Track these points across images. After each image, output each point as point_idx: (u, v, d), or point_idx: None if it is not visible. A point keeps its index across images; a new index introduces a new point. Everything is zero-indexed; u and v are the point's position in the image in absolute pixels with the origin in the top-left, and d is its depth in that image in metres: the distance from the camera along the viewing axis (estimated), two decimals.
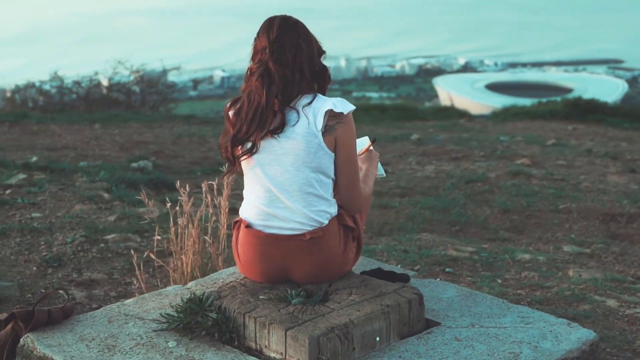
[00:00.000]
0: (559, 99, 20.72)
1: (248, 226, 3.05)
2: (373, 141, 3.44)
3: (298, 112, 2.95)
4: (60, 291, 4.04)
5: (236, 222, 3.14)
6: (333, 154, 3.00)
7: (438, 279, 3.51)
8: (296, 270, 3.05)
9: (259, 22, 3.09)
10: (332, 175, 3.04)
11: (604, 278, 4.81)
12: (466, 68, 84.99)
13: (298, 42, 2.98)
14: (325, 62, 3.11)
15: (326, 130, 2.95)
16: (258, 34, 3.03)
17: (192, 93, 68.44)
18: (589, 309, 4.20)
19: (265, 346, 2.77)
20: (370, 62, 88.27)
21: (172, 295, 3.27)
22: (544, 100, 20.14)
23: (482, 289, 4.50)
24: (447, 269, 4.99)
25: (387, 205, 7.39)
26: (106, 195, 6.59)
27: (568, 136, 13.67)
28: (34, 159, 8.81)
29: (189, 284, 3.42)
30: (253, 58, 3.02)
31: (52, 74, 18.93)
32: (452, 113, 19.56)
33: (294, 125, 2.94)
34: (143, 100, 18.72)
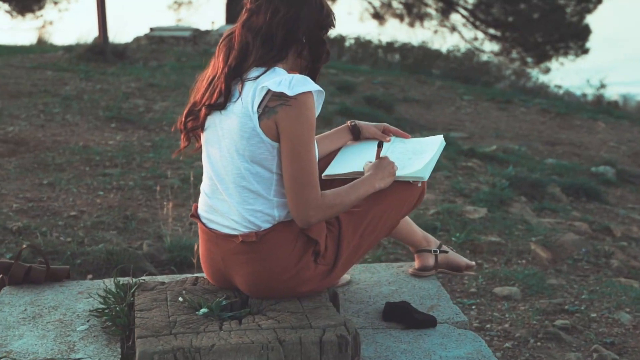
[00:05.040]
0: None
1: (195, 216, 2.59)
2: (379, 146, 2.71)
3: (242, 87, 2.40)
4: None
5: None
6: (277, 144, 2.37)
7: (468, 331, 2.49)
8: (235, 277, 2.52)
9: None
10: (277, 170, 2.41)
11: None
12: None
13: (277, 4, 2.41)
14: None
15: (264, 113, 2.35)
16: None
17: None
18: None
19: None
20: None
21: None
22: None
23: None
24: None
25: None
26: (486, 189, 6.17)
27: None
28: (493, 147, 8.61)
29: None
30: None
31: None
32: None
33: (235, 102, 2.42)
34: None
